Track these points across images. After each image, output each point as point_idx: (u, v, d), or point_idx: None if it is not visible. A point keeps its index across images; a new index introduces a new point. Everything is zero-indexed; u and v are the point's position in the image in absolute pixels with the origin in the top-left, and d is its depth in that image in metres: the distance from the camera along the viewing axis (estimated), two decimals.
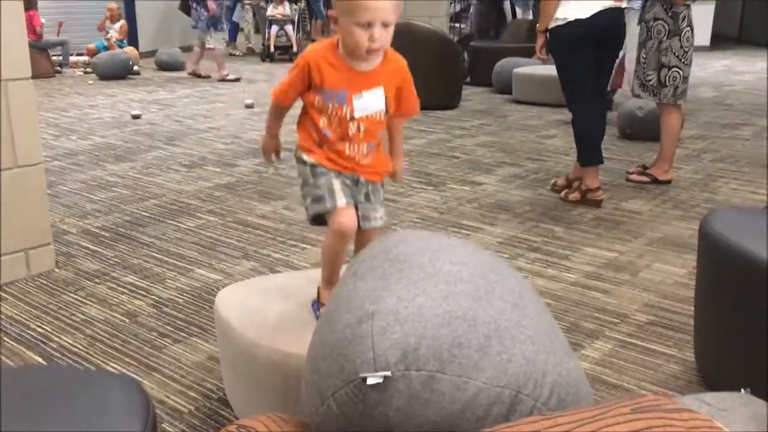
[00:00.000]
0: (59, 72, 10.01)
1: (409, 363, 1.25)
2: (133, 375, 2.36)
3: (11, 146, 3.02)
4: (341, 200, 1.86)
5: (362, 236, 1.95)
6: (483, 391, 1.26)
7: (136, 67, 9.87)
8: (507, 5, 10.29)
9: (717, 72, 9.93)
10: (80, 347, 2.54)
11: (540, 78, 7.11)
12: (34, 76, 3.13)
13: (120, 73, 9.47)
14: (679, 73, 4.24)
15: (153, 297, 2.95)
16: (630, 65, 5.86)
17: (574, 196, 4.14)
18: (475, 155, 5.32)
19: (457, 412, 1.25)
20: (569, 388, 1.36)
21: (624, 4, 3.95)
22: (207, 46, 9.12)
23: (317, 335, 1.46)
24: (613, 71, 4.60)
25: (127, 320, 2.75)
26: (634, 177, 4.56)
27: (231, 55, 11.24)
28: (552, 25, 3.89)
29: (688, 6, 4.20)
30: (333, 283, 1.89)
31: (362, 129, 1.87)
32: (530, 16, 9.52)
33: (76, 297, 2.96)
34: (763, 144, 5.61)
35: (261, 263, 3.29)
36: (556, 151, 5.43)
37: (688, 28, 4.20)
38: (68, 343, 2.57)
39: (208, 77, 9.32)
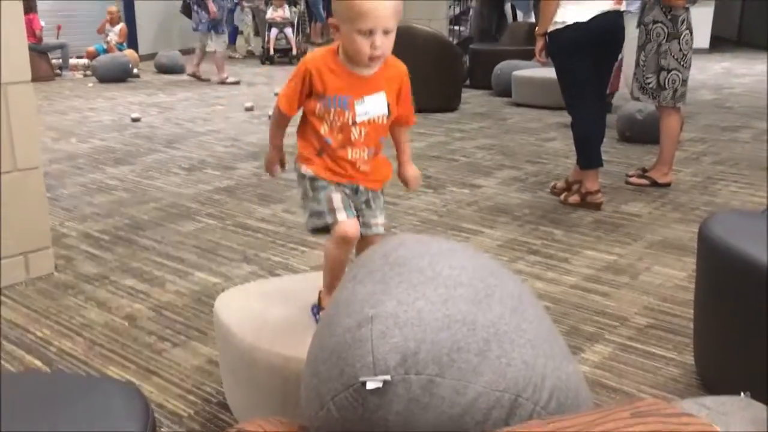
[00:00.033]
0: (59, 75, 10.02)
1: (408, 367, 1.25)
2: (132, 379, 2.36)
3: (11, 149, 3.02)
4: (341, 215, 1.85)
5: (363, 242, 1.94)
6: (482, 396, 1.26)
7: (135, 70, 9.88)
8: (508, 8, 10.30)
9: (716, 74, 9.95)
10: (80, 351, 2.54)
11: (539, 81, 7.11)
12: (33, 79, 3.13)
13: (120, 76, 9.48)
14: (678, 76, 4.24)
15: (152, 300, 2.95)
16: (628, 68, 5.87)
17: (574, 198, 4.14)
18: (474, 158, 5.33)
19: (457, 417, 1.25)
20: (569, 392, 1.36)
21: (623, 8, 3.96)
22: (208, 49, 9.12)
23: (317, 339, 1.46)
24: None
25: (127, 324, 2.75)
26: (633, 180, 4.56)
27: (230, 57, 11.25)
28: (551, 28, 3.90)
29: (687, 9, 4.21)
30: (335, 289, 1.88)
31: (364, 134, 1.87)
32: (531, 19, 9.53)
33: (75, 300, 2.96)
34: (762, 147, 5.61)
35: (261, 266, 3.30)
36: (555, 153, 5.43)
37: (687, 31, 4.21)
38: (68, 347, 2.57)
39: (207, 80, 9.32)
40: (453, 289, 1.38)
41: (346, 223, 1.85)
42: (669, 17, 4.17)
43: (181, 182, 4.72)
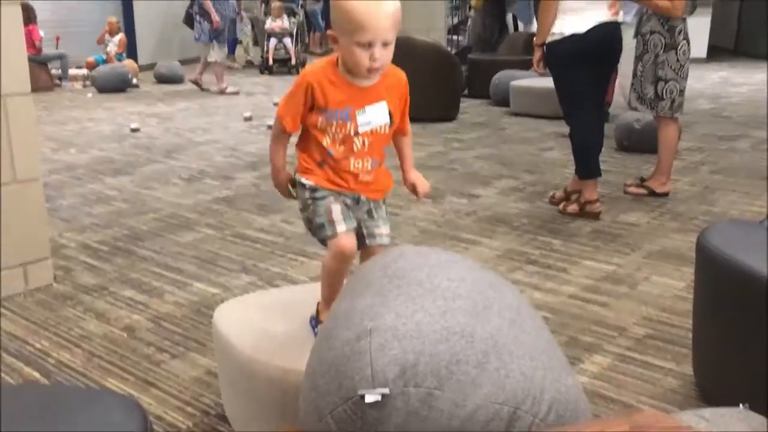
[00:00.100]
0: (58, 85, 10.04)
1: (407, 380, 1.26)
2: (130, 391, 2.36)
3: (10, 161, 3.02)
4: (341, 227, 1.85)
5: (368, 253, 1.93)
6: (481, 408, 1.26)
7: (135, 81, 9.90)
8: (510, 18, 10.33)
9: (714, 84, 9.98)
10: (78, 363, 2.54)
11: (537, 90, 7.13)
12: (33, 90, 3.14)
13: (119, 86, 9.50)
14: (675, 86, 4.26)
15: (151, 311, 2.95)
16: (624, 78, 5.89)
17: (573, 208, 4.14)
18: (473, 168, 5.34)
19: (456, 430, 1.25)
20: (567, 405, 1.36)
21: (620, 19, 3.97)
22: (209, 59, 9.14)
23: (315, 352, 1.46)
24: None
25: (126, 335, 2.75)
26: (631, 189, 4.57)
27: (230, 68, 11.27)
28: (549, 39, 3.92)
29: (684, 20, 4.23)
30: (333, 303, 1.88)
31: (367, 144, 1.87)
32: (533, 29, 9.56)
33: (74, 312, 2.96)
34: (759, 156, 5.63)
35: (259, 277, 3.30)
36: (553, 163, 5.44)
37: (685, 42, 4.23)
38: (66, 358, 2.57)
39: (207, 90, 9.34)
40: (451, 302, 1.38)
41: (343, 238, 1.85)
42: (666, 28, 4.19)
43: (180, 192, 4.73)
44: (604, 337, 2.71)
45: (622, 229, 3.92)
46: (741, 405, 1.43)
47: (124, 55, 10.69)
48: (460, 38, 11.86)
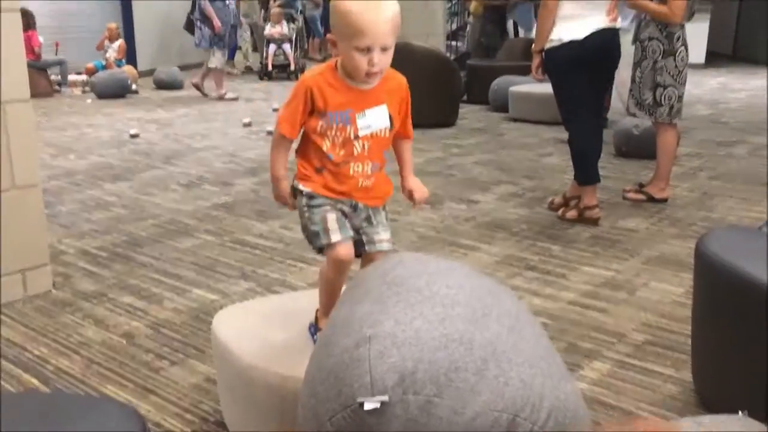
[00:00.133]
0: (58, 91, 10.05)
1: (406, 387, 1.26)
2: (129, 398, 2.35)
3: (9, 167, 3.03)
4: (335, 236, 1.84)
5: (368, 260, 1.92)
6: (480, 416, 1.26)
7: (134, 87, 9.91)
8: (510, 24, 10.35)
9: (712, 89, 9.99)
10: (77, 370, 2.53)
11: (536, 96, 7.15)
12: (32, 96, 3.14)
13: (118, 92, 9.50)
14: (674, 92, 4.27)
15: (150, 318, 2.94)
16: (621, 85, 5.90)
17: (572, 214, 4.15)
18: (471, 173, 5.34)
19: None
20: (567, 412, 1.36)
21: (618, 25, 3.99)
22: (209, 65, 9.15)
23: (315, 359, 1.47)
24: None
25: (124, 342, 2.74)
26: (630, 195, 4.57)
27: (229, 74, 11.29)
28: (547, 46, 3.93)
29: (683, 26, 4.24)
30: (331, 311, 1.87)
31: (367, 147, 1.86)
32: (533, 35, 9.57)
33: (73, 318, 2.96)
34: (757, 162, 5.64)
35: (258, 283, 3.29)
36: (552, 169, 5.45)
37: (683, 48, 4.24)
38: (65, 365, 2.57)
39: (207, 95, 9.34)
40: (450, 309, 1.38)
41: (340, 247, 1.85)
42: (665, 34, 4.20)
43: (180, 198, 4.73)
44: (604, 343, 2.70)
45: (621, 235, 3.92)
46: (740, 412, 1.43)
47: (124, 61, 10.70)
48: (459, 44, 11.88)
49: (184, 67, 11.27)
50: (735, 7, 13.87)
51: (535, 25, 5.47)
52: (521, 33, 10.34)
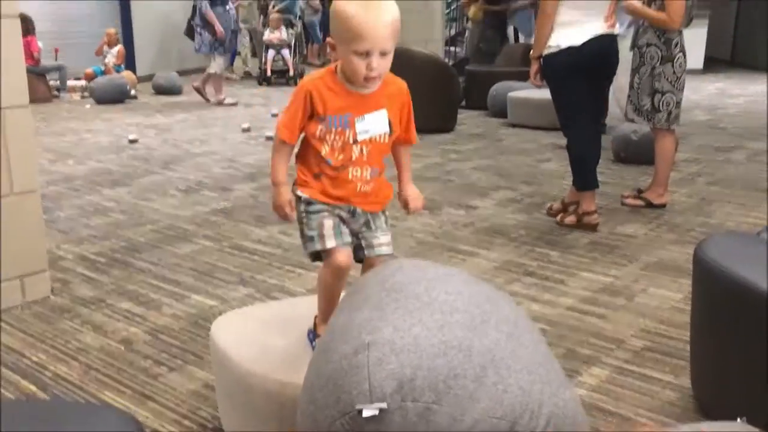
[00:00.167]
0: (57, 97, 10.05)
1: (405, 394, 1.26)
2: (127, 404, 2.35)
3: (8, 173, 3.03)
4: (330, 242, 1.84)
5: (369, 265, 1.92)
6: (479, 423, 1.26)
7: (133, 92, 9.91)
8: (511, 30, 10.37)
9: (710, 95, 10.01)
10: (75, 376, 2.53)
11: (535, 102, 7.15)
12: (31, 101, 3.15)
13: (117, 97, 9.51)
14: (672, 98, 4.28)
15: (149, 324, 2.94)
16: (619, 91, 5.91)
17: (570, 219, 4.15)
18: (470, 179, 5.35)
19: None
20: (565, 419, 1.36)
21: (616, 31, 4.00)
22: (209, 71, 9.16)
23: (313, 365, 1.46)
24: None
25: (123, 348, 2.74)
26: (629, 201, 4.58)
27: (228, 79, 11.30)
28: (545, 52, 3.94)
29: (681, 32, 4.25)
30: (330, 317, 1.87)
31: (366, 152, 1.86)
32: (533, 41, 9.59)
33: (71, 324, 2.95)
34: (756, 167, 5.65)
35: (257, 289, 3.29)
36: (551, 174, 5.45)
37: (681, 54, 4.25)
38: (63, 371, 2.56)
39: (208, 101, 9.35)
40: (449, 315, 1.38)
41: (338, 252, 1.84)
42: (663, 40, 4.21)
43: (178, 204, 4.73)
44: (602, 349, 2.70)
45: (619, 241, 3.92)
46: (739, 419, 1.43)
47: (123, 66, 10.70)
48: (458, 49, 11.90)
49: (183, 73, 11.28)
50: (733, 13, 13.91)
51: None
52: (521, 39, 10.36)
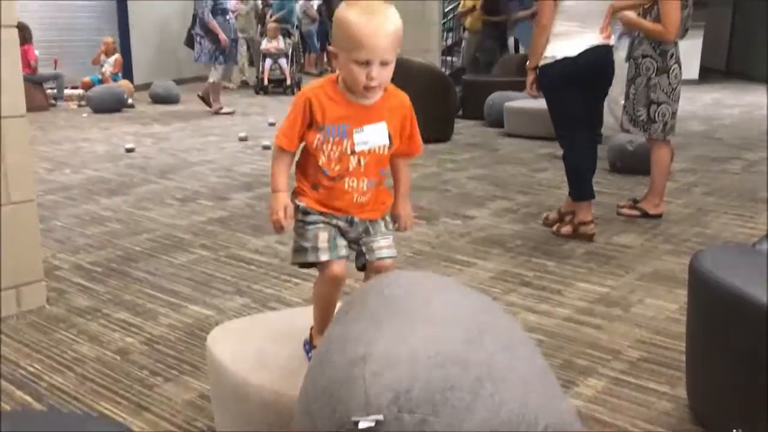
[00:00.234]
0: (54, 105, 10.05)
1: (401, 406, 1.25)
2: (123, 415, 2.34)
3: (4, 183, 3.02)
4: (324, 256, 1.84)
5: (371, 270, 1.91)
6: None
7: (130, 101, 9.92)
8: (511, 41, 10.41)
9: (706, 105, 10.06)
10: (71, 386, 2.52)
11: (531, 112, 7.18)
12: (28, 110, 3.14)
13: (114, 106, 9.51)
14: (668, 109, 4.30)
15: (145, 334, 2.93)
16: (613, 102, 5.94)
17: (566, 230, 4.16)
18: (466, 189, 5.35)
19: None
20: (563, 430, 1.36)
21: (612, 42, 4.02)
22: (209, 79, 9.18)
23: (309, 376, 1.46)
24: None
25: (119, 358, 2.73)
26: (624, 211, 4.59)
27: (225, 88, 11.32)
28: (541, 63, 3.95)
29: (676, 44, 4.28)
30: (325, 327, 1.86)
31: (364, 164, 1.85)
32: None
33: (67, 334, 2.94)
34: (752, 177, 5.67)
35: (253, 299, 3.29)
36: (547, 184, 5.46)
37: (676, 65, 4.28)
38: (59, 382, 2.55)
39: (210, 107, 9.35)
40: (445, 327, 1.38)
41: (334, 263, 1.85)
42: (658, 52, 4.24)
43: (175, 213, 4.72)
44: (599, 360, 2.70)
45: (615, 251, 3.93)
46: (735, 430, 1.44)
47: (120, 75, 10.72)
48: (455, 59, 11.95)
49: (180, 82, 11.30)
50: (728, 23, 13.99)
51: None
52: (521, 50, 10.41)
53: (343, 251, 1.88)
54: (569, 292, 3.35)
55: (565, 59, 3.85)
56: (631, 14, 4.27)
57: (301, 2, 13.67)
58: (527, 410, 1.32)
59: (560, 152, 4.28)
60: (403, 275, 1.61)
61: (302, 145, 1.89)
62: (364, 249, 1.92)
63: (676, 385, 2.49)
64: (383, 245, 1.92)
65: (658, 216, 4.50)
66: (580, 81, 3.86)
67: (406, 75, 5.93)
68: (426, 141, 2.00)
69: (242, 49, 12.70)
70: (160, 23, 12.19)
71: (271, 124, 8.15)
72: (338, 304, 1.93)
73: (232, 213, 4.71)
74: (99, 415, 2.33)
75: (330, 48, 1.82)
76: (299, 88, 11.23)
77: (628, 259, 3.81)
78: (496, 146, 7.09)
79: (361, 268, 1.95)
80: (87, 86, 10.24)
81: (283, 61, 11.51)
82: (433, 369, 1.29)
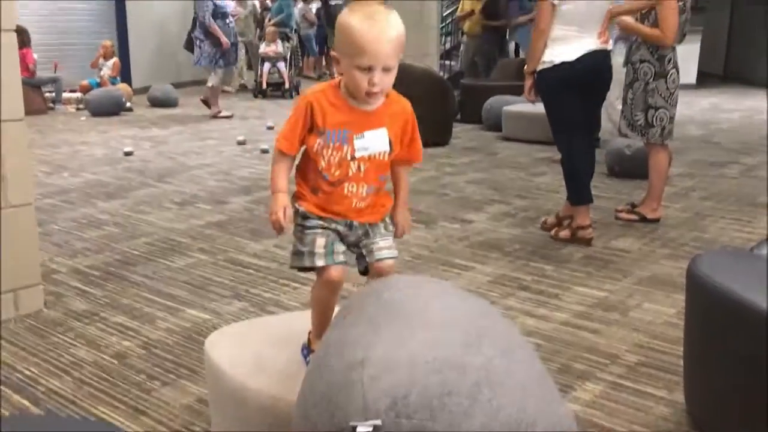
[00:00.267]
0: (52, 109, 10.05)
1: (399, 411, 1.25)
2: (120, 419, 2.34)
3: (3, 186, 3.02)
4: (320, 261, 1.84)
5: (373, 272, 1.91)
6: None
7: (128, 104, 9.92)
8: (512, 45, 10.42)
9: (704, 110, 10.07)
10: (68, 390, 2.51)
11: (530, 116, 7.18)
12: (26, 113, 3.14)
13: (112, 109, 9.52)
14: (665, 113, 4.31)
15: (142, 338, 2.93)
16: (610, 106, 5.95)
17: (564, 234, 4.16)
18: (465, 193, 5.36)
19: None
20: None
21: (609, 47, 4.03)
22: (208, 83, 9.18)
23: (307, 381, 1.46)
24: None
25: (116, 362, 2.73)
26: (622, 215, 4.59)
27: (223, 91, 11.33)
28: (539, 67, 3.96)
29: (674, 48, 4.29)
30: (323, 331, 1.86)
31: (363, 169, 1.85)
32: None
33: (64, 338, 2.94)
34: (750, 182, 5.67)
35: (251, 303, 3.29)
36: (546, 188, 5.47)
37: (674, 70, 4.28)
38: (56, 386, 2.55)
39: (209, 109, 9.35)
40: (443, 332, 1.38)
41: (331, 268, 1.84)
42: (656, 57, 4.25)
43: (173, 217, 4.72)
44: (597, 364, 2.70)
45: (613, 255, 3.93)
46: None
47: (118, 78, 10.72)
48: (453, 63, 11.96)
49: (178, 85, 11.31)
50: (725, 28, 14.03)
51: None
52: (522, 54, 10.43)
53: (341, 257, 1.87)
54: (567, 297, 3.35)
55: (564, 64, 3.86)
56: (629, 19, 4.29)
57: (299, 6, 13.71)
58: (525, 415, 1.32)
59: (558, 156, 4.29)
60: (402, 279, 1.61)
61: (303, 149, 1.89)
62: (364, 251, 1.92)
63: (674, 390, 2.49)
64: (383, 246, 1.92)
65: (656, 220, 4.51)
66: (578, 85, 3.87)
67: (404, 79, 5.95)
68: (424, 145, 2.00)
69: (241, 52, 12.71)
70: (158, 27, 12.20)
71: (270, 128, 8.15)
72: (336, 309, 1.93)
73: (230, 217, 4.71)
74: (96, 419, 2.32)
75: (332, 53, 1.82)
76: (298, 92, 11.26)
77: (626, 263, 3.81)
78: (494, 150, 7.09)
79: (364, 272, 1.95)
80: (85, 90, 10.24)
81: (281, 65, 11.52)
82: (431, 374, 1.29)
